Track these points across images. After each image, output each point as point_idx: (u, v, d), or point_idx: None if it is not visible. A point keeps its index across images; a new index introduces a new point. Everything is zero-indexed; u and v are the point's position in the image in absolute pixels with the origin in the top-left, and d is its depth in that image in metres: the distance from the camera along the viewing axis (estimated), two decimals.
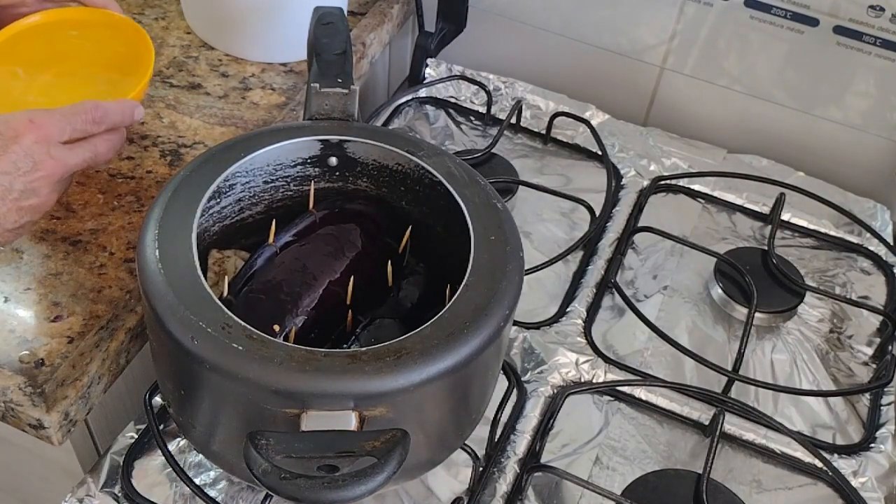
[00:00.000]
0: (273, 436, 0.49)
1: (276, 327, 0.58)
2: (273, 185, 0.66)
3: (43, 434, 0.62)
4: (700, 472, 0.66)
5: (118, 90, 0.73)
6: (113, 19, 0.77)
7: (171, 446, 0.64)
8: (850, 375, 0.77)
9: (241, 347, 0.51)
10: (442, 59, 0.99)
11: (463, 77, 0.97)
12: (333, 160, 0.66)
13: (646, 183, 0.90)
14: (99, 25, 0.76)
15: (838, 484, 0.68)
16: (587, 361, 0.74)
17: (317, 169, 0.67)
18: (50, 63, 0.75)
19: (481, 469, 0.66)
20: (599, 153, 0.91)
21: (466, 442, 0.64)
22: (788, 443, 0.70)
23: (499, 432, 0.68)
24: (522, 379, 0.73)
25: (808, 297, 0.81)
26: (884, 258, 0.86)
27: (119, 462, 0.63)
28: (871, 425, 0.73)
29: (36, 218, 0.61)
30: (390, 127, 0.94)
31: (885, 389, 0.74)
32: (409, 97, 0.97)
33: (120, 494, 0.62)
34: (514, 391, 0.70)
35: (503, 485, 0.66)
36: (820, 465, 0.69)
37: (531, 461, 0.67)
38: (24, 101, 0.72)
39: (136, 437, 0.65)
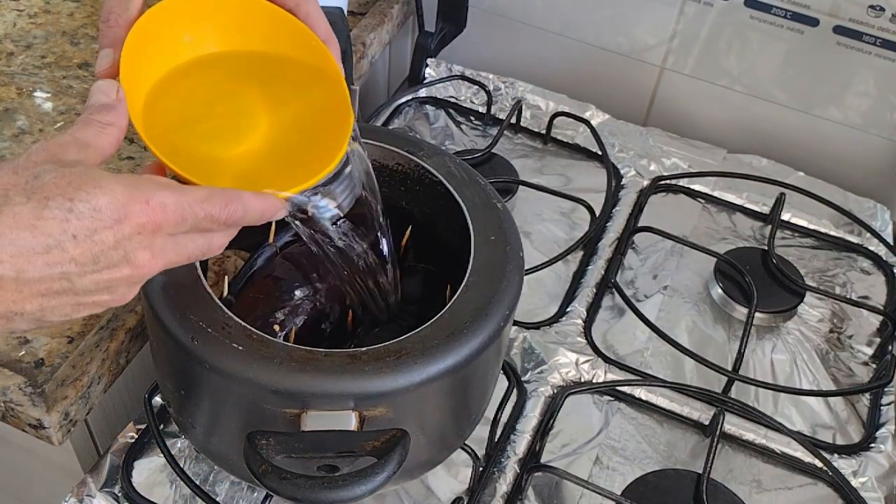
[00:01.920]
0: (273, 436, 0.49)
1: (276, 327, 0.58)
2: None
3: (43, 434, 0.62)
4: (700, 472, 0.66)
5: (279, 166, 0.51)
6: (325, 64, 0.54)
7: (171, 446, 0.64)
8: (850, 375, 0.77)
9: (241, 347, 0.51)
10: (442, 59, 0.99)
11: (463, 77, 0.97)
12: None
13: (646, 183, 0.90)
14: (305, 66, 0.54)
15: (838, 484, 0.68)
16: (587, 361, 0.74)
17: None
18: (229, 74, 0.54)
19: (481, 469, 0.66)
20: (599, 153, 0.91)
21: (466, 442, 0.64)
22: (788, 443, 0.70)
23: (499, 432, 0.68)
24: (522, 379, 0.73)
25: (808, 297, 0.81)
26: (884, 258, 0.86)
27: (119, 462, 0.63)
28: (871, 425, 0.73)
29: (97, 311, 0.45)
30: (390, 127, 0.94)
31: (885, 389, 0.74)
32: (409, 97, 0.97)
33: (120, 494, 0.62)
34: (514, 391, 0.70)
35: (503, 485, 0.66)
36: (820, 465, 0.69)
37: (531, 461, 0.67)
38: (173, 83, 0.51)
39: (136, 437, 0.65)
